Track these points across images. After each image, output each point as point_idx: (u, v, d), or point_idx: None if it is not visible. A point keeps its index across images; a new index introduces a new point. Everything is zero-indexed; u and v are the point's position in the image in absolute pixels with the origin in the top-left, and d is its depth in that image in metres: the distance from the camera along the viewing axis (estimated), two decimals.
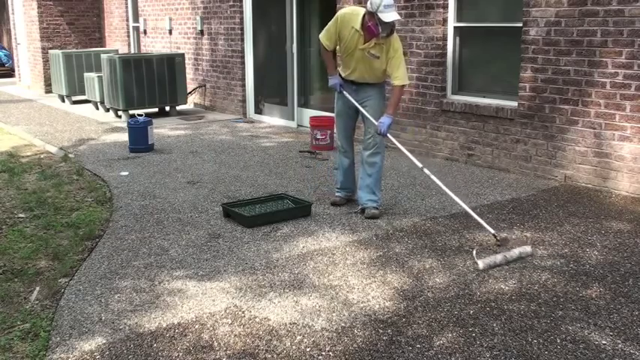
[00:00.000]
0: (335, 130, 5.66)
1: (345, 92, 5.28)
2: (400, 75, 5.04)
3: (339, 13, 5.21)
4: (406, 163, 7.14)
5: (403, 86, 5.10)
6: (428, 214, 5.32)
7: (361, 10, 5.06)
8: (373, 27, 4.90)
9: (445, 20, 7.16)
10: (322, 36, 5.26)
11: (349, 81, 5.25)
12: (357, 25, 5.02)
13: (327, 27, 5.22)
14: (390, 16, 4.83)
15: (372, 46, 5.02)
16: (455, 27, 7.15)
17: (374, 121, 5.12)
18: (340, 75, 5.31)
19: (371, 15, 4.89)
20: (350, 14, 5.11)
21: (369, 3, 4.89)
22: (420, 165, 5.00)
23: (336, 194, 5.63)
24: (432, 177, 4.96)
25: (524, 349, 3.14)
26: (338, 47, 5.24)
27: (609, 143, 5.83)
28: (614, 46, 5.68)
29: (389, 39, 5.00)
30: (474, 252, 4.31)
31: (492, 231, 4.59)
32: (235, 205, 5.31)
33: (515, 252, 4.31)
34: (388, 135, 5.10)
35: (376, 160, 5.21)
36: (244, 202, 5.41)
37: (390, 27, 4.91)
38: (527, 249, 4.38)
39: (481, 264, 4.13)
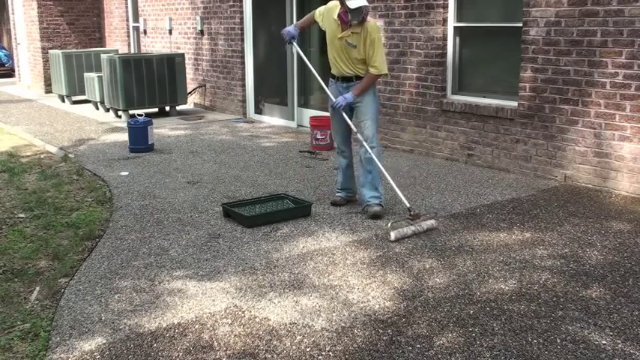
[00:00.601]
0: (331, 131, 5.67)
1: (294, 44, 5.50)
2: (377, 64, 5.05)
3: (330, 3, 5.31)
4: (406, 163, 7.15)
5: (378, 75, 5.12)
6: (428, 214, 5.31)
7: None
8: (343, 14, 4.97)
9: (445, 20, 7.16)
10: (319, 8, 5.37)
11: (339, 79, 5.27)
12: (335, 15, 5.10)
13: (323, 7, 5.31)
14: (355, 2, 4.83)
15: (348, 35, 5.05)
16: (455, 27, 7.15)
17: (351, 124, 5.19)
18: (332, 74, 5.35)
19: (341, 3, 4.95)
20: (333, 4, 5.18)
21: None
22: (408, 204, 5.05)
23: (337, 194, 5.62)
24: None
25: (524, 349, 3.14)
26: (326, 35, 5.33)
27: (609, 143, 5.83)
28: (614, 46, 5.68)
29: (365, 27, 5.00)
30: (389, 224, 4.70)
31: (408, 204, 4.96)
32: (235, 205, 5.31)
33: (423, 225, 4.81)
34: (343, 113, 5.17)
35: (371, 156, 5.17)
36: (244, 202, 5.41)
37: (359, 14, 4.89)
38: (434, 223, 4.87)
39: (392, 235, 4.60)
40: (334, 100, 5.21)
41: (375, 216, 5.16)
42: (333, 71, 5.30)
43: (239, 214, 5.10)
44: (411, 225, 4.77)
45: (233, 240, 4.74)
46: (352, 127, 5.20)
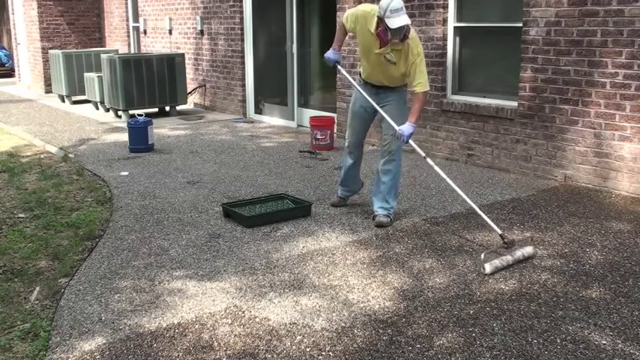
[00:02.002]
0: (347, 129, 5.38)
1: (339, 67, 5.18)
2: (422, 81, 4.76)
3: (361, 7, 4.95)
4: (406, 163, 7.14)
5: (426, 93, 4.84)
6: (428, 214, 5.32)
7: None
8: (382, 33, 4.63)
9: (445, 20, 7.16)
10: (348, 14, 4.95)
11: (369, 84, 5.02)
12: (372, 28, 4.73)
13: (355, 11, 4.92)
14: (397, 21, 4.51)
15: (388, 52, 4.75)
16: (455, 27, 7.15)
17: (395, 125, 4.86)
18: (360, 75, 5.11)
19: (380, 20, 4.62)
20: (369, 13, 4.79)
21: (378, 7, 4.62)
22: (499, 232, 4.59)
23: (337, 194, 5.61)
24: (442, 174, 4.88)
25: (524, 349, 3.14)
26: (356, 39, 5.06)
27: (609, 143, 5.83)
28: (614, 46, 5.68)
29: (406, 43, 4.69)
30: (482, 255, 4.20)
31: (500, 231, 4.49)
32: (235, 205, 5.31)
33: (519, 254, 4.26)
34: (411, 142, 4.87)
35: (390, 168, 5.01)
36: (244, 202, 5.41)
37: (400, 33, 4.58)
38: (530, 250, 4.34)
39: (488, 268, 4.06)
40: (398, 130, 4.83)
41: (380, 225, 4.99)
42: (367, 78, 5.02)
43: (239, 214, 5.10)
44: (506, 255, 4.27)
45: (233, 240, 4.74)
46: (394, 126, 4.86)
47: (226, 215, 5.24)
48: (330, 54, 5.10)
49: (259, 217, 5.13)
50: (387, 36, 4.61)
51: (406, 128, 4.80)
